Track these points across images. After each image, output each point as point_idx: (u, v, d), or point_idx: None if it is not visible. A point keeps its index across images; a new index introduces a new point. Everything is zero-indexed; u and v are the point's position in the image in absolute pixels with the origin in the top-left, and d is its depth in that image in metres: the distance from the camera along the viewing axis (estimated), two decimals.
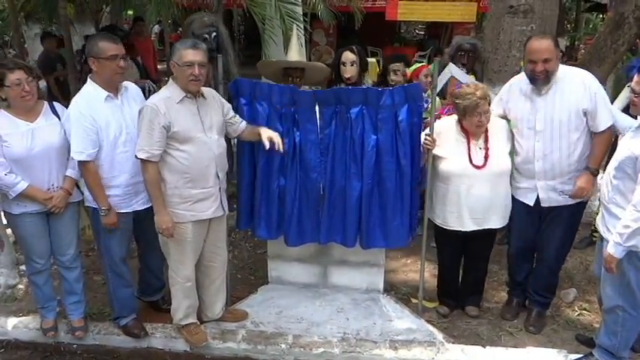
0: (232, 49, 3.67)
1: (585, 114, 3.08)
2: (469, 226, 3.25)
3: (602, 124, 3.07)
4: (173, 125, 2.82)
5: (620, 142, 2.87)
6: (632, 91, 2.72)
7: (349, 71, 3.84)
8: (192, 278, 3.15)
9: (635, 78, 2.69)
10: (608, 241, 2.75)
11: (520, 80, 3.26)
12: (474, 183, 3.17)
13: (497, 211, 3.25)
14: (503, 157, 3.20)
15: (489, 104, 3.14)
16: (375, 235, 3.31)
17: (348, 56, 3.86)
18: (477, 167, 3.15)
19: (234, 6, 7.91)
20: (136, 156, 2.84)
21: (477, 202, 3.19)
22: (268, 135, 3.05)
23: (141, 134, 2.82)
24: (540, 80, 3.08)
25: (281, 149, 3.07)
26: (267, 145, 3.03)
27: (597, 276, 3.16)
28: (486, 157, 3.16)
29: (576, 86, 3.08)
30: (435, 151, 3.21)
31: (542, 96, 3.12)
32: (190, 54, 2.82)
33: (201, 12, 4.80)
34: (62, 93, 6.90)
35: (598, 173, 3.19)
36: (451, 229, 3.30)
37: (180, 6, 5.96)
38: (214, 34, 3.82)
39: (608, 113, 3.09)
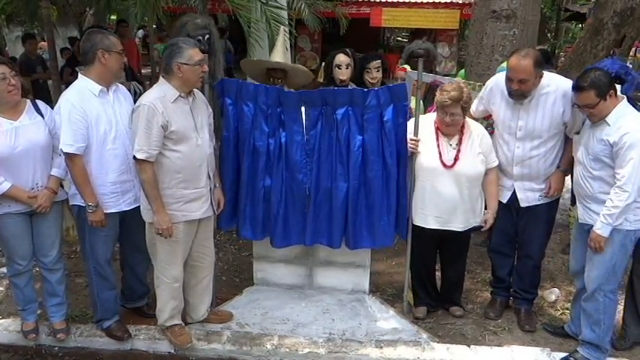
0: (221, 53, 3.67)
1: (564, 124, 3.16)
2: (431, 224, 3.26)
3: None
4: (171, 124, 2.80)
5: (584, 140, 2.96)
6: (586, 106, 2.84)
7: (344, 73, 3.86)
8: (180, 279, 3.13)
9: (581, 95, 2.83)
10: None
11: (503, 82, 3.25)
12: (439, 181, 3.18)
13: (461, 213, 3.23)
14: (474, 162, 3.19)
15: (464, 109, 3.11)
16: (362, 236, 3.33)
17: (342, 59, 3.88)
18: (446, 166, 3.17)
19: (219, 10, 7.92)
20: (134, 157, 2.81)
21: (440, 200, 3.20)
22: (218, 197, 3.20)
23: (138, 134, 2.77)
24: (515, 97, 3.12)
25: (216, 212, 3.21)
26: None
27: (573, 271, 3.27)
28: (457, 158, 3.17)
29: (559, 97, 3.11)
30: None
31: (524, 105, 3.15)
32: (198, 52, 2.85)
33: (193, 14, 4.78)
34: (36, 96, 6.76)
35: (569, 173, 3.28)
36: (417, 225, 3.31)
37: (165, 10, 5.96)
38: (207, 36, 3.82)
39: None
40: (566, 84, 3.14)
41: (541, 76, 3.10)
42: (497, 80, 3.30)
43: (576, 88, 2.85)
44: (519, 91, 3.08)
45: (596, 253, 2.94)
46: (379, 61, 4.09)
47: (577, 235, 3.17)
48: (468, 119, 3.26)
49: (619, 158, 2.78)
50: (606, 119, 2.83)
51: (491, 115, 3.39)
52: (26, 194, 2.95)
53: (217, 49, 3.85)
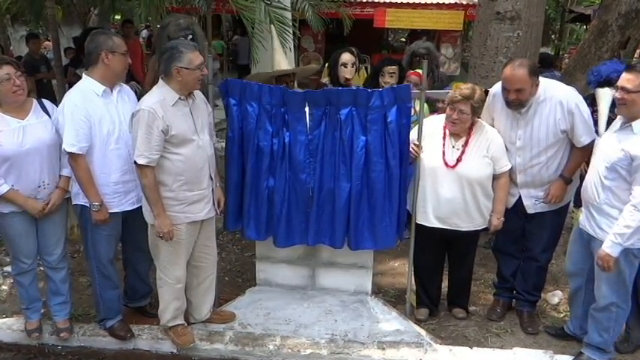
0: (208, 52, 3.64)
1: (564, 132, 3.13)
2: (433, 222, 3.27)
3: (582, 141, 3.12)
4: (171, 129, 2.80)
5: (603, 144, 2.90)
6: (622, 89, 2.72)
7: (350, 72, 3.89)
8: (182, 279, 3.13)
9: (626, 75, 2.71)
10: (599, 240, 2.85)
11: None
12: (441, 180, 3.18)
13: (463, 214, 3.22)
14: (478, 164, 3.18)
15: (473, 109, 3.11)
16: (364, 237, 3.33)
17: (348, 57, 3.89)
18: (448, 165, 3.17)
19: (223, 11, 7.93)
20: (135, 162, 2.80)
21: (440, 200, 3.21)
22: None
23: (139, 139, 2.77)
24: (513, 106, 3.12)
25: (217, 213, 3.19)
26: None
27: (568, 271, 3.27)
28: (459, 159, 3.17)
29: (555, 106, 3.10)
30: None
31: (522, 114, 3.15)
32: (198, 56, 2.84)
33: (175, 14, 4.79)
34: (40, 96, 6.80)
35: (571, 181, 3.26)
36: (419, 223, 3.32)
37: (169, 10, 5.97)
38: (190, 36, 3.82)
39: (588, 130, 3.12)
40: (561, 92, 3.14)
41: (537, 85, 3.10)
42: (498, 89, 3.28)
43: (628, 67, 2.76)
44: (517, 101, 3.08)
45: (603, 271, 2.87)
46: (395, 67, 4.11)
47: (575, 237, 3.14)
48: (482, 123, 3.26)
49: (637, 173, 2.66)
50: (632, 125, 2.73)
51: None
52: (24, 198, 2.96)
53: (202, 49, 3.84)
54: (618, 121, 2.88)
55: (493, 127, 3.32)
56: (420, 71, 4.16)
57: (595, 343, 3.06)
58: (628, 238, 2.71)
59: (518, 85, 3.03)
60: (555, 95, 3.12)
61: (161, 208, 2.86)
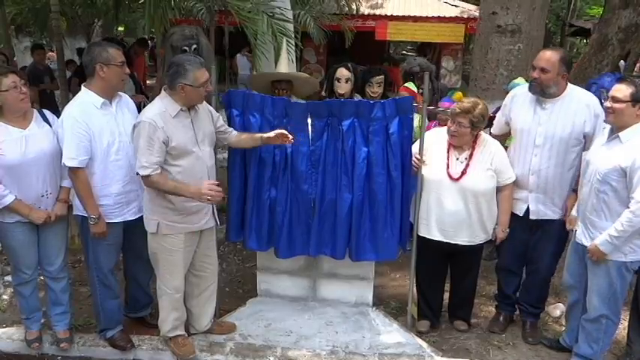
0: (214, 63, 3.63)
1: (585, 136, 3.13)
2: (435, 235, 3.26)
3: None
4: (171, 140, 2.81)
5: (594, 158, 2.92)
6: (612, 98, 2.79)
7: (343, 87, 3.89)
8: (181, 289, 3.13)
9: (617, 86, 2.80)
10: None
11: (526, 92, 3.25)
12: (445, 193, 3.18)
13: (466, 228, 3.22)
14: (482, 177, 3.18)
15: (472, 123, 3.11)
16: (365, 248, 3.33)
17: (343, 72, 3.91)
18: (452, 178, 3.17)
19: (226, 23, 8.00)
20: (137, 173, 2.81)
21: (444, 213, 3.20)
22: (277, 135, 3.06)
23: (140, 150, 2.77)
24: (533, 88, 3.13)
25: (291, 141, 3.11)
26: (286, 141, 3.08)
27: (566, 284, 3.28)
28: (464, 172, 3.17)
29: (582, 108, 3.10)
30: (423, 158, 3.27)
31: (545, 110, 3.14)
32: (204, 74, 2.84)
33: (182, 25, 4.82)
34: (44, 106, 6.82)
35: None
36: (421, 235, 3.32)
37: (172, 22, 6.03)
38: (194, 46, 3.82)
39: None
40: (588, 96, 3.17)
41: (565, 79, 3.10)
42: (521, 90, 3.30)
43: (620, 79, 2.83)
44: (538, 81, 3.07)
45: (595, 281, 2.92)
46: (382, 77, 4.14)
47: (572, 251, 3.15)
48: (485, 136, 3.28)
49: (633, 181, 2.71)
50: (620, 135, 2.79)
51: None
52: (29, 208, 2.97)
53: (207, 58, 3.85)
54: (605, 134, 2.92)
55: (508, 130, 3.33)
56: (410, 86, 4.20)
57: (584, 354, 3.08)
58: (620, 242, 2.78)
59: (543, 63, 3.04)
60: (582, 98, 3.14)
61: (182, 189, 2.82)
